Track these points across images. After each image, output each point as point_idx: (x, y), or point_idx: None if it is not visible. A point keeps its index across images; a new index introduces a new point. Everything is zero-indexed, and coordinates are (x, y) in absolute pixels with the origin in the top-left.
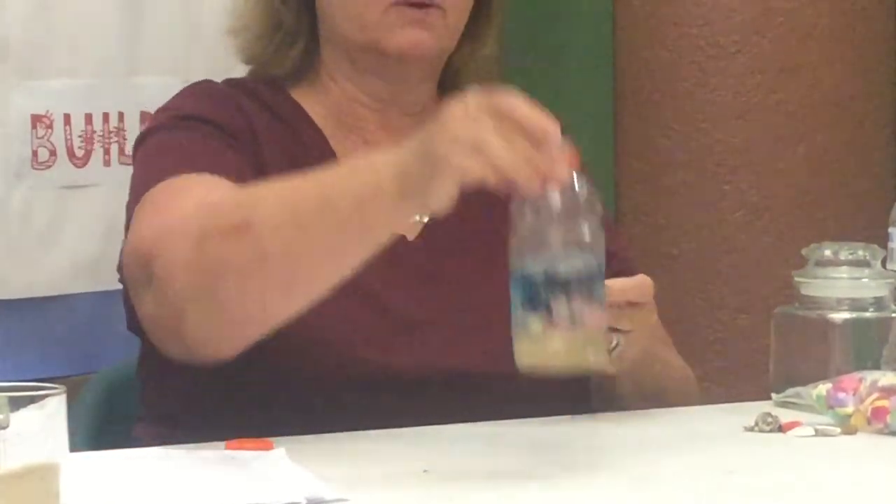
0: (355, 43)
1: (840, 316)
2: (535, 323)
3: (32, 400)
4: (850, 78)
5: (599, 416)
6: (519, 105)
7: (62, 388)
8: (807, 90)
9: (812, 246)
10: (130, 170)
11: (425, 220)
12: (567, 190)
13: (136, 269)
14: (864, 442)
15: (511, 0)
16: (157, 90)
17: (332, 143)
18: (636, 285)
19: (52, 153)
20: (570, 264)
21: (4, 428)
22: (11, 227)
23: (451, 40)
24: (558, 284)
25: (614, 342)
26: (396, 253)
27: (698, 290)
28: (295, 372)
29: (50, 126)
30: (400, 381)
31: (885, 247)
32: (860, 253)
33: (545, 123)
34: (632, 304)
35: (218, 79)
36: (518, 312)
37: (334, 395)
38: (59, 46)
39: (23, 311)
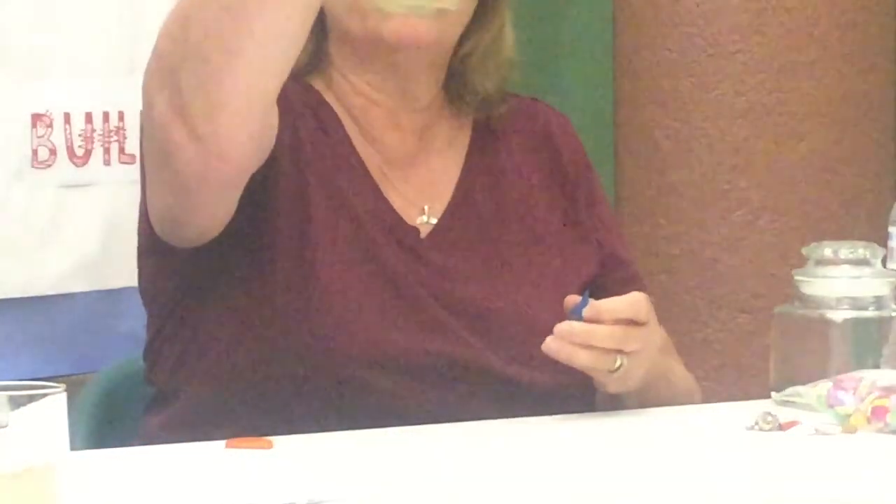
0: (357, 35)
1: (840, 315)
2: None
3: (32, 399)
4: (851, 77)
5: (601, 414)
6: None
7: (62, 387)
8: (807, 89)
9: (812, 245)
10: (130, 169)
11: (432, 220)
12: None
13: (151, 70)
14: (864, 441)
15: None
16: None
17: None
18: (629, 304)
19: (53, 152)
20: None
21: (4, 427)
22: (12, 226)
23: (451, 26)
24: None
25: (618, 363)
26: (419, 244)
27: (699, 290)
28: (305, 348)
29: (50, 125)
30: (409, 367)
31: (885, 245)
32: (860, 252)
33: None
34: (632, 324)
35: None
36: None
37: (343, 375)
38: (59, 46)
39: (23, 310)
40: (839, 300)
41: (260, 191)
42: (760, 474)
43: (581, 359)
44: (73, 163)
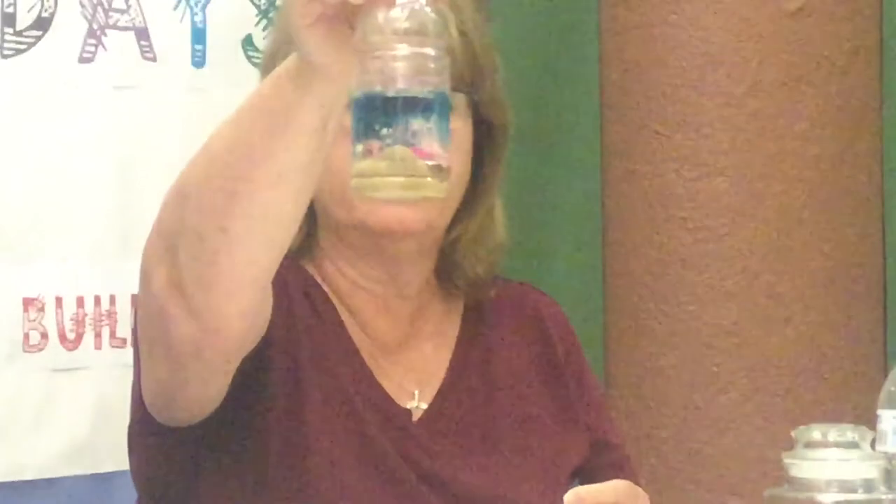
0: (345, 225)
1: (829, 498)
2: (357, 147)
3: None
4: (837, 261)
5: None
6: None
7: None
8: (794, 273)
9: (801, 428)
10: (121, 353)
11: (423, 406)
12: (414, 9)
13: (149, 244)
14: None
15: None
16: None
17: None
18: (610, 489)
19: (44, 336)
20: (411, 87)
21: None
22: (2, 409)
23: (439, 215)
24: (380, 109)
25: None
26: (411, 428)
27: (688, 473)
28: None
29: (42, 309)
30: None
31: (874, 428)
32: (849, 435)
33: None
34: None
35: None
36: (355, 135)
37: None
38: (50, 230)
39: (13, 494)
40: (828, 483)
41: (253, 372)
42: None
43: None
44: (65, 346)
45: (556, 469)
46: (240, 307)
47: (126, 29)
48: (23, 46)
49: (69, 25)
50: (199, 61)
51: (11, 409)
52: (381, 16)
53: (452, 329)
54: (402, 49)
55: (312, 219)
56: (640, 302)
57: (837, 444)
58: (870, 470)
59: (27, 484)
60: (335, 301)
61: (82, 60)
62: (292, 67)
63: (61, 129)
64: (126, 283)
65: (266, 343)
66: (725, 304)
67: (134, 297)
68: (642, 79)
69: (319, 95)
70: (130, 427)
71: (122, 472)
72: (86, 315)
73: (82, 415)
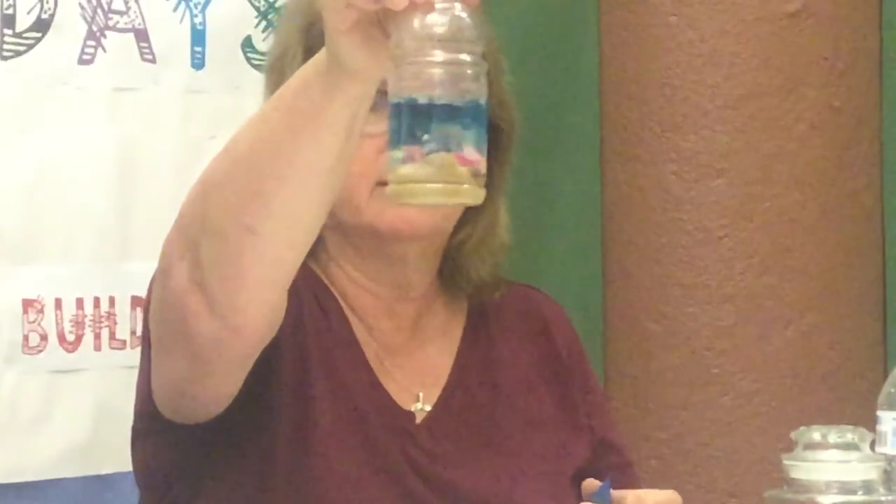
0: (352, 227)
1: (829, 499)
2: (396, 153)
3: None
4: (836, 263)
5: None
6: None
7: None
8: (794, 275)
9: (801, 429)
10: (121, 354)
11: (427, 408)
12: (451, 13)
13: (170, 238)
14: None
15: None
16: (148, 275)
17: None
18: (669, 501)
19: (43, 338)
20: (431, 93)
21: None
22: (2, 411)
23: (444, 219)
24: (422, 114)
25: None
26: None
27: (688, 474)
28: None
29: (41, 311)
30: None
31: (873, 430)
32: (849, 436)
33: None
34: None
35: None
36: (389, 142)
37: None
38: (50, 231)
39: (13, 495)
40: (828, 484)
41: (262, 371)
42: None
43: None
44: (64, 348)
45: (558, 471)
46: (262, 306)
47: (125, 30)
48: (22, 48)
49: (69, 27)
50: (198, 63)
51: (11, 410)
52: (418, 21)
53: (456, 331)
54: (442, 55)
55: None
56: (639, 303)
57: (837, 446)
58: (869, 471)
59: (27, 485)
60: (342, 303)
61: (82, 62)
62: (321, 67)
63: (61, 131)
64: (126, 284)
65: (275, 342)
66: (724, 305)
67: (134, 298)
68: (642, 80)
69: (347, 96)
70: (135, 423)
71: (122, 474)
72: (85, 316)
73: (82, 416)
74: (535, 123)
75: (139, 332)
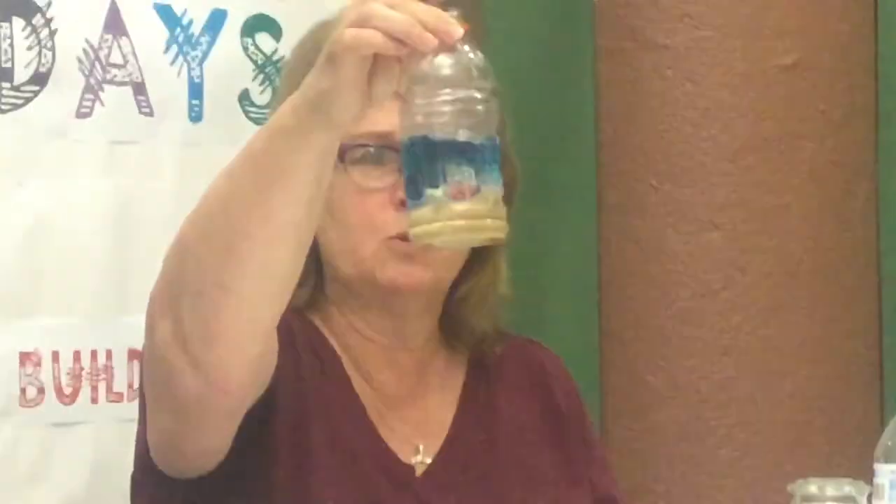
0: (353, 278)
1: None
2: (436, 192)
3: None
4: (833, 316)
5: None
6: None
7: None
8: (790, 328)
9: (798, 482)
10: (118, 407)
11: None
12: (460, 52)
13: (153, 296)
14: None
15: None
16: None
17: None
18: None
19: (41, 391)
20: (469, 131)
21: None
22: None
23: (447, 272)
24: (459, 152)
25: None
26: (414, 483)
27: None
28: None
29: (38, 363)
30: None
31: (870, 482)
32: (846, 489)
33: None
34: None
35: None
36: (414, 182)
37: None
38: (47, 285)
39: None
40: None
41: (259, 424)
42: None
43: None
44: (61, 401)
45: None
46: (243, 360)
47: (123, 84)
48: (20, 101)
49: (66, 80)
50: (196, 116)
51: (8, 463)
52: (435, 60)
53: (457, 382)
54: (472, 93)
55: (319, 271)
56: (636, 356)
57: (834, 499)
58: None
59: None
60: (342, 355)
61: (80, 115)
62: (286, 121)
63: (58, 184)
64: (123, 337)
65: (271, 395)
66: (722, 358)
67: (131, 351)
68: (638, 133)
69: (315, 149)
70: (134, 477)
71: None
72: (82, 370)
73: (79, 470)
74: (531, 177)
75: (136, 384)
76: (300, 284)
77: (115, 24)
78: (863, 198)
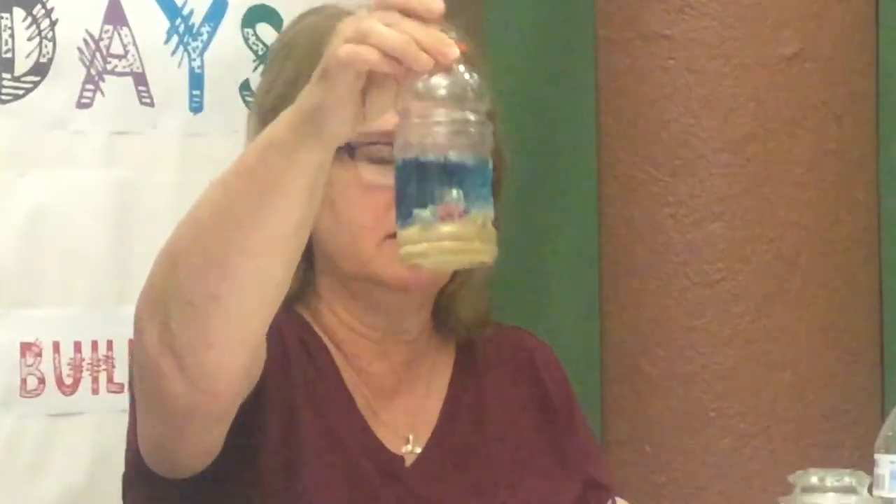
0: (353, 275)
1: None
2: (425, 212)
3: None
4: (833, 306)
5: None
6: None
7: None
8: (790, 318)
9: (798, 472)
10: (119, 398)
11: (417, 450)
12: (456, 73)
13: (140, 301)
14: None
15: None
16: None
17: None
18: None
19: (41, 381)
20: (462, 152)
21: None
22: (0, 455)
23: (447, 272)
24: (450, 174)
25: None
26: (403, 474)
27: None
28: None
29: (39, 354)
30: None
31: (871, 473)
32: (847, 479)
33: (428, 1)
34: None
35: None
36: (405, 201)
37: None
38: (47, 275)
39: None
40: None
41: (249, 420)
42: None
43: None
44: (62, 392)
45: None
46: (231, 368)
47: (124, 74)
48: (21, 92)
49: (67, 71)
50: (196, 106)
51: (9, 454)
52: (430, 80)
53: (445, 371)
54: (466, 115)
55: (310, 265)
56: (636, 347)
57: (835, 489)
58: None
59: None
60: (331, 347)
61: (80, 106)
62: (280, 134)
63: (59, 174)
64: (123, 327)
65: (261, 391)
66: (722, 348)
67: (131, 341)
68: (639, 124)
69: (308, 163)
70: (125, 475)
71: None
72: (83, 360)
73: (80, 460)
74: (532, 168)
75: None
76: None
77: (115, 15)
78: (863, 188)
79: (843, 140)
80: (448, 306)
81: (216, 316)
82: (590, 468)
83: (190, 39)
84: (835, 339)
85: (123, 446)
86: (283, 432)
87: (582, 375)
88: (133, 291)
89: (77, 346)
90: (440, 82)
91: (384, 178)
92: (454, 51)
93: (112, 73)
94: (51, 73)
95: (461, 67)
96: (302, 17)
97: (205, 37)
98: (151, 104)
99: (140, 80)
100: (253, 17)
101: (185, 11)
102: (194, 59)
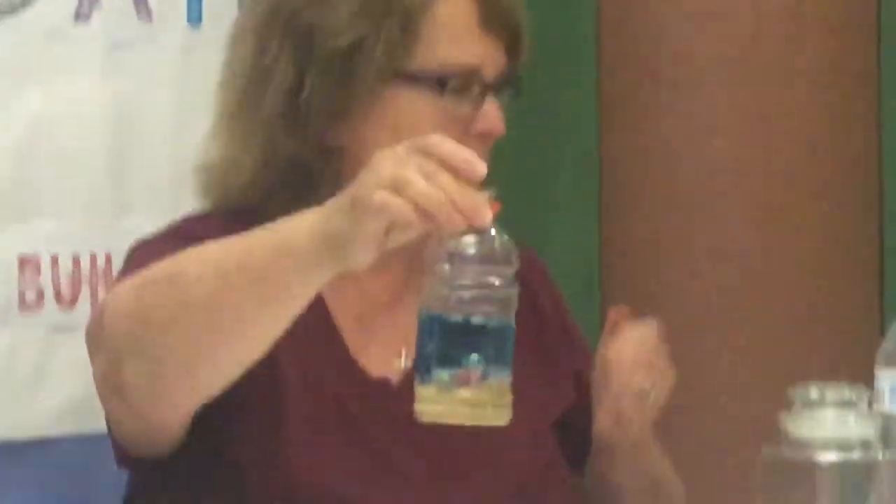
0: None
1: (826, 457)
2: (443, 374)
3: None
4: (835, 224)
5: None
6: (446, 142)
7: None
8: (793, 234)
9: (798, 387)
10: None
11: (408, 364)
12: (486, 235)
13: (92, 329)
14: None
15: None
16: (145, 232)
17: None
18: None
19: (40, 295)
20: (485, 317)
21: None
22: None
23: None
24: (471, 337)
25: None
26: (390, 395)
27: (685, 431)
28: None
29: (37, 268)
30: None
31: (871, 387)
32: (846, 394)
33: (470, 160)
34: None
35: None
36: (425, 358)
37: None
38: (46, 188)
39: (9, 453)
40: (825, 442)
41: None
42: None
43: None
44: (61, 306)
45: (541, 419)
46: (185, 415)
47: None
48: (18, 3)
49: None
50: (195, 19)
51: (7, 368)
52: (460, 240)
53: None
54: (489, 279)
55: (306, 181)
56: (637, 262)
57: (835, 404)
58: (867, 430)
59: (22, 444)
60: None
61: (78, 18)
62: (297, 246)
63: (56, 88)
64: (121, 241)
65: None
66: (723, 264)
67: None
68: (639, 39)
69: (324, 279)
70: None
71: None
72: (82, 274)
73: (79, 374)
74: (532, 87)
75: None
76: (272, 195)
77: None
78: (864, 101)
79: (844, 53)
80: None
81: (185, 384)
82: (586, 370)
83: None
84: (835, 254)
85: None
86: (262, 382)
87: (582, 291)
88: (132, 204)
89: (76, 260)
90: (469, 243)
91: (461, 109)
92: (488, 215)
93: None
94: None
95: (492, 230)
96: None
97: None
98: (149, 18)
99: None
100: None
101: None
102: None
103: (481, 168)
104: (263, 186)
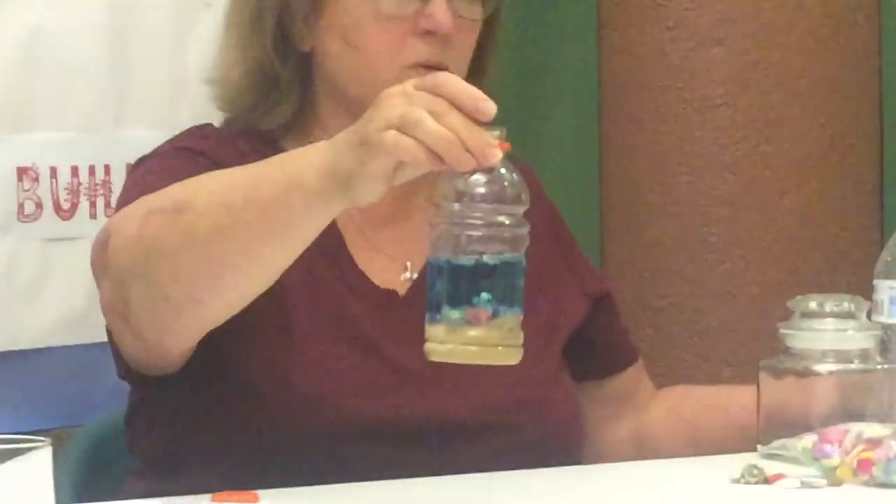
0: (362, 99)
1: (825, 367)
2: (453, 313)
3: (17, 453)
4: (834, 132)
5: (588, 467)
6: (455, 80)
7: (48, 440)
8: (790, 144)
9: (798, 298)
10: None
11: (414, 276)
12: (496, 174)
13: (97, 253)
14: (849, 494)
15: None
16: (144, 143)
17: None
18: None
19: (39, 206)
20: (494, 256)
21: None
22: None
23: None
24: (480, 276)
25: None
26: (397, 305)
27: (684, 342)
28: (290, 423)
29: (36, 179)
30: (395, 432)
31: (870, 298)
32: (845, 305)
33: (478, 98)
34: None
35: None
36: (436, 297)
37: (329, 446)
38: (44, 99)
39: (7, 364)
40: (825, 353)
41: None
42: None
43: None
44: (59, 216)
45: (550, 332)
46: (192, 344)
47: None
48: None
49: None
50: None
51: (6, 278)
52: (469, 179)
53: None
54: (498, 219)
55: (305, 91)
56: (636, 173)
57: (834, 315)
58: (866, 340)
59: (22, 353)
60: None
61: None
62: (307, 182)
63: None
64: (121, 151)
65: None
66: (722, 174)
67: (129, 166)
68: None
69: (330, 214)
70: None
71: None
72: (80, 185)
73: (77, 284)
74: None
75: None
76: (280, 100)
77: None
78: (865, 13)
79: None
80: None
81: (190, 314)
82: (592, 282)
83: None
84: (834, 164)
85: None
86: (269, 294)
87: (582, 203)
88: (130, 114)
89: (74, 171)
90: (479, 182)
91: (399, 6)
92: (498, 155)
93: None
94: None
95: (502, 169)
96: None
97: None
98: None
99: None
100: None
101: None
102: None
103: (491, 107)
104: (248, 97)
